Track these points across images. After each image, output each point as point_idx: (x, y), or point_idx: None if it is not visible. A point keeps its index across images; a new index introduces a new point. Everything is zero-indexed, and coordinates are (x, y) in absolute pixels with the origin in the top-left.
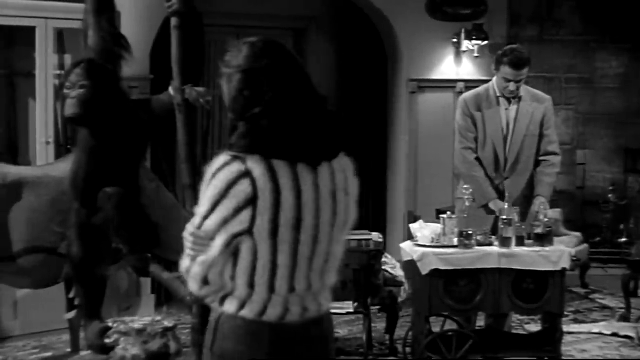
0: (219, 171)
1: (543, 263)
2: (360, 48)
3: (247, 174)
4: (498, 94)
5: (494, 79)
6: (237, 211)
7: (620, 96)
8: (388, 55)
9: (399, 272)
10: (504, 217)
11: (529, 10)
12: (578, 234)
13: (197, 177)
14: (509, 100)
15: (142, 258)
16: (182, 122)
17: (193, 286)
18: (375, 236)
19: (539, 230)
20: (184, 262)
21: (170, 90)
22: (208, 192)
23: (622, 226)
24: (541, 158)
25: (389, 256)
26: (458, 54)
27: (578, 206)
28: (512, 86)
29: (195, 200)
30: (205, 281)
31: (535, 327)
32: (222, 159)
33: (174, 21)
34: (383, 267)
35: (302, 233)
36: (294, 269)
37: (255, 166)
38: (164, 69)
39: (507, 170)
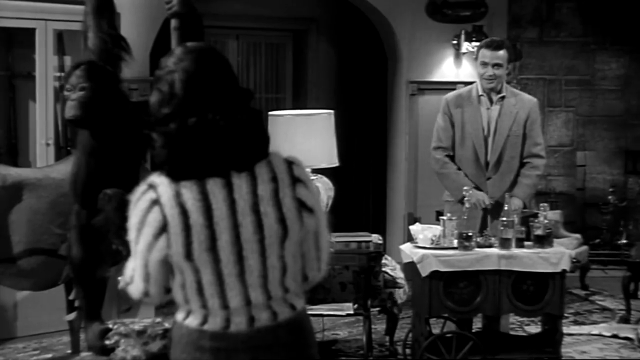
0: (138, 200)
1: (543, 265)
2: (360, 50)
3: (156, 202)
4: (480, 93)
5: (478, 79)
6: (155, 238)
7: (620, 98)
8: (388, 57)
9: (399, 274)
10: (504, 218)
11: (529, 12)
12: (578, 235)
13: None
14: (490, 100)
15: None
16: None
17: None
18: (375, 238)
19: (538, 232)
20: (127, 273)
21: None
22: (131, 220)
23: (622, 228)
24: (525, 160)
25: (389, 258)
26: (458, 55)
27: (578, 208)
28: (490, 70)
29: None
30: (146, 294)
31: (535, 329)
32: (140, 188)
33: (173, 22)
34: (383, 269)
35: (220, 252)
36: (221, 286)
37: (164, 192)
38: None
39: (489, 170)
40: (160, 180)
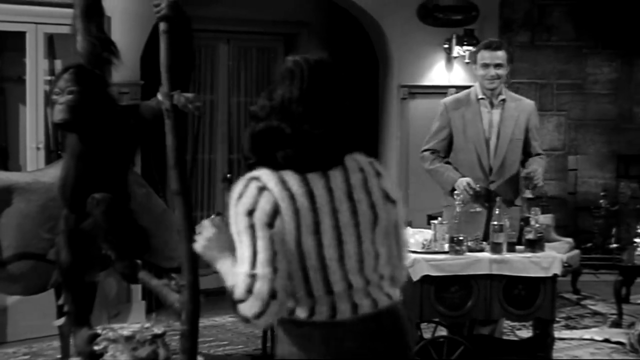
0: (242, 192)
1: (534, 269)
2: (351, 54)
3: (264, 188)
4: (480, 96)
5: (476, 83)
6: (270, 219)
7: (612, 102)
8: (379, 61)
9: None
10: (495, 222)
11: (521, 16)
12: (569, 239)
13: (185, 183)
14: (491, 104)
15: (131, 264)
16: (170, 127)
17: (256, 305)
18: None
19: (530, 236)
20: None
21: (159, 95)
22: (238, 210)
23: (613, 232)
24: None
25: None
26: (449, 59)
27: (570, 212)
28: (492, 70)
29: (183, 206)
30: (273, 295)
31: (526, 333)
32: (240, 183)
33: (162, 26)
34: None
35: (323, 236)
36: (324, 271)
37: (269, 180)
38: (154, 75)
39: (493, 174)
40: (259, 173)
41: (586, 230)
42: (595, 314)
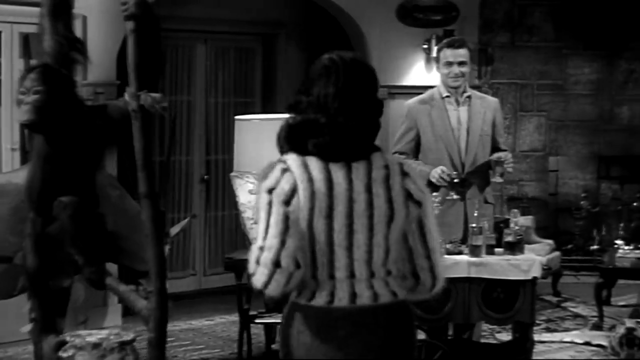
0: (269, 172)
1: (513, 272)
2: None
3: (287, 169)
4: (445, 95)
5: (439, 82)
6: (288, 197)
7: (593, 103)
8: None
9: None
10: (473, 225)
11: (501, 16)
12: (550, 241)
13: (153, 186)
14: (457, 101)
15: (98, 270)
16: (138, 128)
17: (261, 278)
18: None
19: (509, 239)
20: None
21: (126, 95)
22: (263, 186)
23: (594, 233)
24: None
25: None
26: (429, 60)
27: (550, 213)
28: (455, 68)
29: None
30: (277, 264)
31: (506, 336)
32: (270, 164)
33: (129, 25)
34: None
35: (335, 221)
36: (331, 256)
37: (293, 163)
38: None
39: (465, 172)
40: (287, 157)
41: (567, 232)
42: (576, 316)
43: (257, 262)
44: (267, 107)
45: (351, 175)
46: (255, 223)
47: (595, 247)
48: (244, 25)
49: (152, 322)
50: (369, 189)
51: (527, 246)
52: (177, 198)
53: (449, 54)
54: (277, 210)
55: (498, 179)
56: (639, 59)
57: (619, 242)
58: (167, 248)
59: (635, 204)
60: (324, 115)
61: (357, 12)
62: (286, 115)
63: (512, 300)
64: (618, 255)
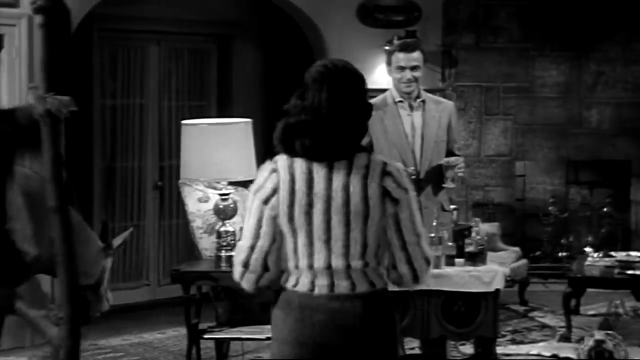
0: (262, 169)
1: (475, 284)
2: (288, 55)
3: (275, 170)
4: (398, 99)
5: (391, 86)
6: (269, 197)
7: (560, 106)
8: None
9: None
10: (432, 235)
11: (465, 17)
12: (516, 248)
13: (63, 199)
14: (410, 106)
15: (6, 294)
16: (47, 135)
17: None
18: None
19: (470, 249)
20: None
21: (31, 98)
22: (253, 185)
23: (563, 240)
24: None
25: None
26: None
27: (517, 219)
28: (407, 74)
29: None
30: (252, 248)
31: (470, 349)
32: (267, 161)
33: (37, 19)
34: None
35: (314, 217)
36: (311, 248)
37: (281, 164)
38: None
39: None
40: (278, 157)
41: (535, 239)
42: (544, 326)
43: (235, 259)
44: (223, 111)
45: (332, 175)
46: (205, 233)
47: (563, 253)
48: (197, 25)
49: (62, 351)
50: (346, 187)
51: (492, 254)
52: (130, 206)
53: (401, 57)
54: (256, 211)
55: (450, 184)
56: (609, 60)
57: (587, 249)
58: (109, 260)
59: (604, 209)
60: (317, 117)
61: (316, 12)
62: (240, 120)
63: (473, 314)
64: (587, 263)
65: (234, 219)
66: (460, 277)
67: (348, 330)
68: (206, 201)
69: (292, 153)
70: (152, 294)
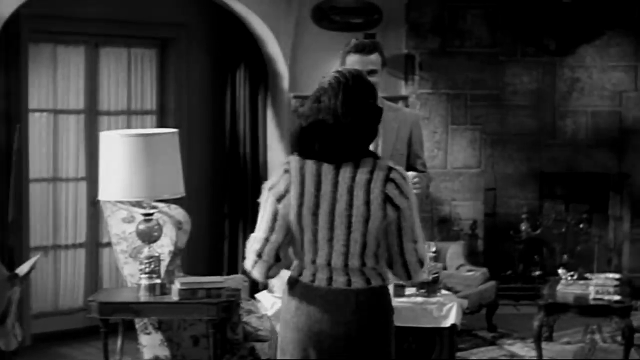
0: (277, 169)
1: (427, 318)
2: (237, 60)
3: (287, 171)
4: None
5: None
6: (281, 195)
7: (532, 115)
8: (267, 70)
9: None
10: None
11: (429, 20)
12: (484, 269)
13: None
14: None
15: None
16: None
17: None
18: (238, 280)
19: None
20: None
21: None
22: (267, 183)
23: (536, 258)
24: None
25: (258, 304)
26: None
27: (486, 236)
28: None
29: None
30: (266, 240)
31: None
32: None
33: None
34: (245, 319)
35: (320, 218)
36: (315, 245)
37: (293, 165)
38: None
39: None
40: (291, 158)
41: (505, 257)
42: (513, 356)
43: (249, 249)
44: (164, 118)
45: (338, 178)
46: (131, 257)
47: (537, 273)
48: (138, 27)
49: None
50: (350, 191)
51: (458, 275)
52: (65, 224)
53: (356, 60)
54: (270, 207)
55: None
56: (584, 66)
57: (560, 271)
58: (17, 291)
59: (581, 225)
60: (334, 117)
61: (266, 13)
62: (165, 130)
63: (427, 352)
64: (559, 287)
65: (161, 242)
66: (410, 311)
67: (341, 323)
68: (131, 221)
69: (304, 155)
70: (89, 320)
